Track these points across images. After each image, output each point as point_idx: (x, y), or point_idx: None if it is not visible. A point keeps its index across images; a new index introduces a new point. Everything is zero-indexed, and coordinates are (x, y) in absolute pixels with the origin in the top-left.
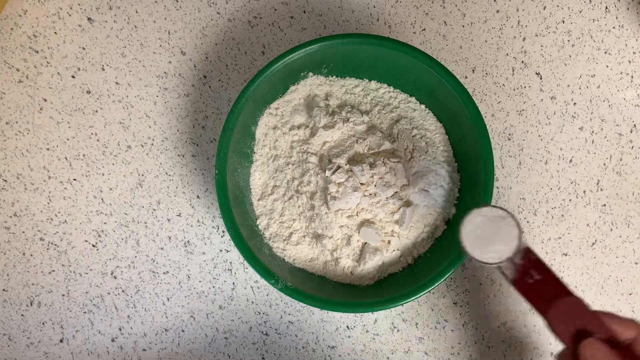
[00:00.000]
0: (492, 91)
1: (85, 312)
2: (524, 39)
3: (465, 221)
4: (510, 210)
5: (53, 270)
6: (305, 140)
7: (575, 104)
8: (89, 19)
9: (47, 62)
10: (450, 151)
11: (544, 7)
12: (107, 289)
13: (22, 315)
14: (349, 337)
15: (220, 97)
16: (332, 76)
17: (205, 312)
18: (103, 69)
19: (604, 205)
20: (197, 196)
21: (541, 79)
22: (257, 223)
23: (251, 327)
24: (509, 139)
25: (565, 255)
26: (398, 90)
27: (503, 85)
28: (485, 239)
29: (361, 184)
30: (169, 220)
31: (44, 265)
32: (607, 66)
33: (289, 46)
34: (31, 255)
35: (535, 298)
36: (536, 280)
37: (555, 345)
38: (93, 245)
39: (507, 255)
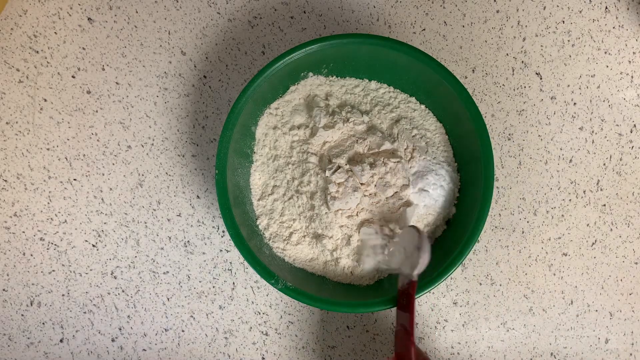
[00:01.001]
0: (492, 91)
1: (85, 312)
2: (524, 39)
3: (408, 228)
4: (429, 254)
5: (53, 270)
6: (305, 140)
7: (575, 104)
8: (89, 19)
9: (47, 62)
10: (450, 151)
11: (544, 7)
12: (107, 289)
13: (22, 315)
14: (349, 337)
15: (220, 97)
16: (332, 76)
17: (205, 312)
18: (103, 69)
19: (604, 205)
20: (197, 196)
21: (541, 79)
22: (257, 223)
23: (251, 327)
24: (509, 139)
25: (565, 255)
26: (398, 90)
27: (503, 85)
28: (405, 250)
29: (361, 184)
30: (169, 220)
31: (44, 265)
32: (607, 66)
33: (289, 46)
34: (31, 255)
35: (399, 312)
36: (403, 305)
37: (556, 345)
38: (93, 245)
39: (402, 273)
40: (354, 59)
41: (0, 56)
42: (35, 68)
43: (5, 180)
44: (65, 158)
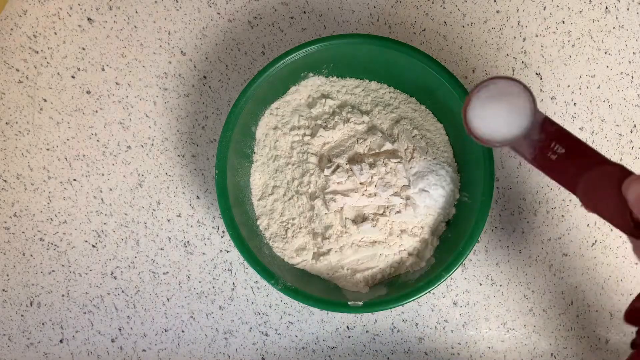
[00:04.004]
0: None
1: (85, 313)
2: (524, 40)
3: (472, 101)
4: (518, 79)
5: (53, 271)
6: (305, 140)
7: (575, 104)
8: (89, 19)
9: (47, 63)
10: (451, 152)
11: (544, 8)
12: (107, 289)
13: (22, 315)
14: (349, 337)
15: (220, 97)
16: (332, 76)
17: (205, 313)
18: (103, 69)
19: None
20: (197, 196)
21: (541, 79)
22: (258, 223)
23: (251, 327)
24: None
25: (565, 255)
26: (398, 90)
27: None
28: (493, 118)
29: (360, 183)
30: (168, 220)
31: (43, 266)
32: (607, 66)
33: (289, 46)
34: (31, 255)
35: (561, 175)
36: (560, 154)
37: (555, 346)
38: (93, 246)
39: (517, 133)
40: (354, 59)
41: (0, 56)
42: (35, 68)
43: (5, 181)
44: (65, 158)
